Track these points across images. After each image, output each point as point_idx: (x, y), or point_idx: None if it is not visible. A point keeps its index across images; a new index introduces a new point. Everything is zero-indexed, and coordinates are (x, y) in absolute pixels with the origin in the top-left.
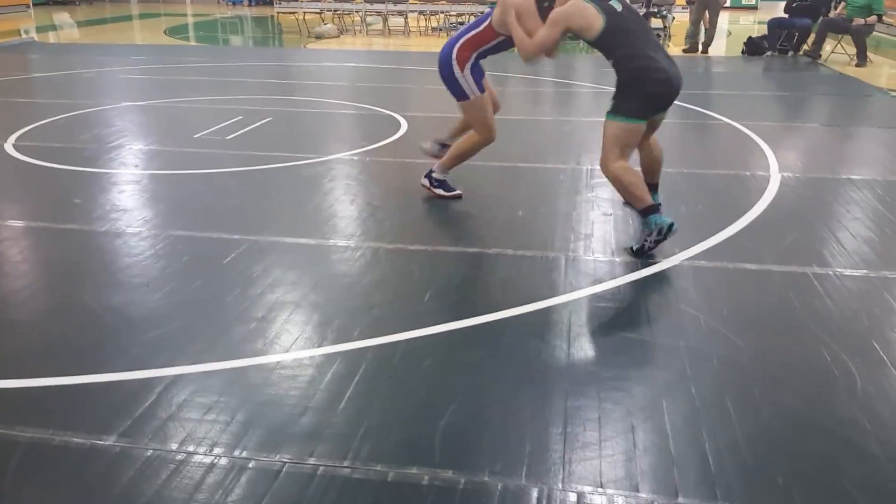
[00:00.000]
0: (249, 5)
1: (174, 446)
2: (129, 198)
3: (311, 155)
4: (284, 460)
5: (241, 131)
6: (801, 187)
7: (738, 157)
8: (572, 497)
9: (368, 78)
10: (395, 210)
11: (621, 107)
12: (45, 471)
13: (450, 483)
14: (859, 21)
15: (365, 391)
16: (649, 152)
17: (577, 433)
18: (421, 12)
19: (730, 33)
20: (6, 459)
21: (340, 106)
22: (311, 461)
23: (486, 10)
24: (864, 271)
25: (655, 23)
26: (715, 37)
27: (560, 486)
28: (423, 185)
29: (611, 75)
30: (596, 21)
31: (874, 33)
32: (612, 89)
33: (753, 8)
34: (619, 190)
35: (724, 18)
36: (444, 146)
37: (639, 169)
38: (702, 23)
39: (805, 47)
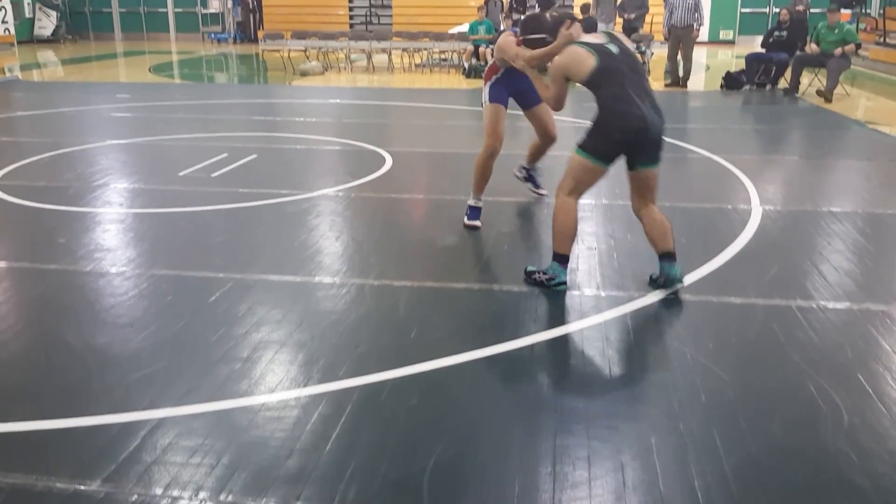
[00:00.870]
0: (234, 43)
1: (159, 491)
2: (113, 237)
3: (297, 191)
4: None
5: (227, 168)
6: (783, 220)
7: (720, 191)
8: None
9: (353, 114)
10: (380, 246)
11: (588, 143)
12: None
13: None
14: (838, 52)
15: (351, 432)
16: (649, 221)
17: (567, 472)
18: (405, 50)
19: (708, 68)
20: None
21: (325, 142)
22: None
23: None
24: (847, 303)
25: None
26: (693, 71)
27: None
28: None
29: (592, 110)
30: (588, 61)
31: (851, 66)
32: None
33: (731, 43)
34: (553, 222)
35: (702, 53)
36: (527, 169)
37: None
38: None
39: (783, 82)
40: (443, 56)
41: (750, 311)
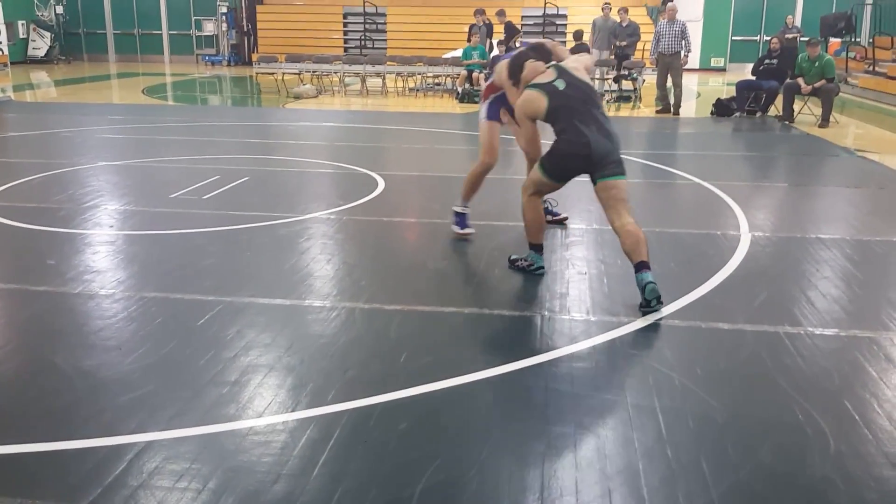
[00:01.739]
0: (228, 65)
1: None
2: (103, 259)
3: (288, 214)
4: None
5: (218, 191)
6: (772, 246)
7: (709, 217)
8: None
9: (346, 137)
10: (371, 269)
11: (544, 161)
12: None
13: None
14: (817, 85)
15: (340, 456)
16: (623, 233)
17: (554, 498)
18: (398, 73)
19: (699, 95)
20: None
21: (318, 165)
22: None
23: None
24: (835, 330)
25: (626, 85)
26: (684, 98)
27: None
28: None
29: None
30: (541, 103)
31: (840, 94)
32: None
33: (722, 70)
34: (523, 219)
35: (693, 80)
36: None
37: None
38: (667, 85)
39: (774, 110)
40: (436, 80)
41: (738, 337)
